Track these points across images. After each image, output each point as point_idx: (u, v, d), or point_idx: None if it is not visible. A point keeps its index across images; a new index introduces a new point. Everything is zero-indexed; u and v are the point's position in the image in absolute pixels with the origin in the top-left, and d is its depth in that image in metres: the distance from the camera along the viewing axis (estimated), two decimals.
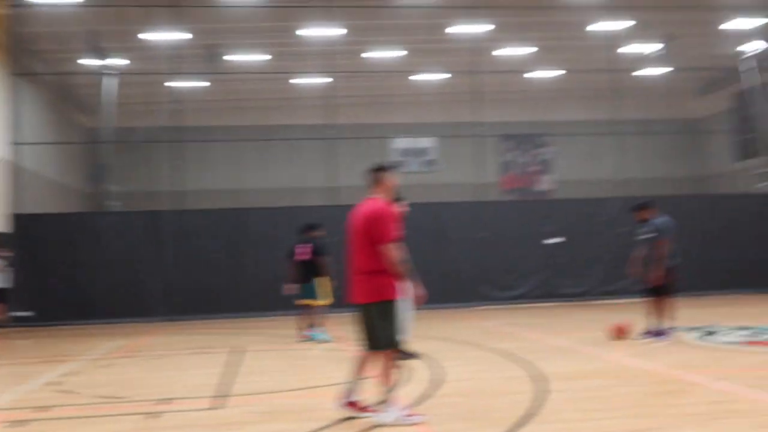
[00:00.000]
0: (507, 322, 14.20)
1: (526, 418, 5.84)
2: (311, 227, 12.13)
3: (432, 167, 29.90)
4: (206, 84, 25.56)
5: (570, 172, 29.89)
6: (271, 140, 26.58)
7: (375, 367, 5.96)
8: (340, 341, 11.54)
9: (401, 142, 29.60)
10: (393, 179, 6.12)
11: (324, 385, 7.76)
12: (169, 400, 7.23)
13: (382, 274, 5.82)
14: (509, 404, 6.42)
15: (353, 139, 23.70)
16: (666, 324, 10.30)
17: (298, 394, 7.48)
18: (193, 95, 25.01)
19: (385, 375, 5.89)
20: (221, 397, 7.34)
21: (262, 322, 16.49)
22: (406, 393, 7.10)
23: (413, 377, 8.00)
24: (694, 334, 10.94)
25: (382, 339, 5.86)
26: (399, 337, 5.95)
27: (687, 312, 14.61)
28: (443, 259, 18.55)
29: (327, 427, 5.80)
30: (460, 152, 26.64)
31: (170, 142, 20.65)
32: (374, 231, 5.80)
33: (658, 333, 10.25)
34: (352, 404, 6.04)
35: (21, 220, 17.87)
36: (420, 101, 28.55)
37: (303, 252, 11.87)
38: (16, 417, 6.69)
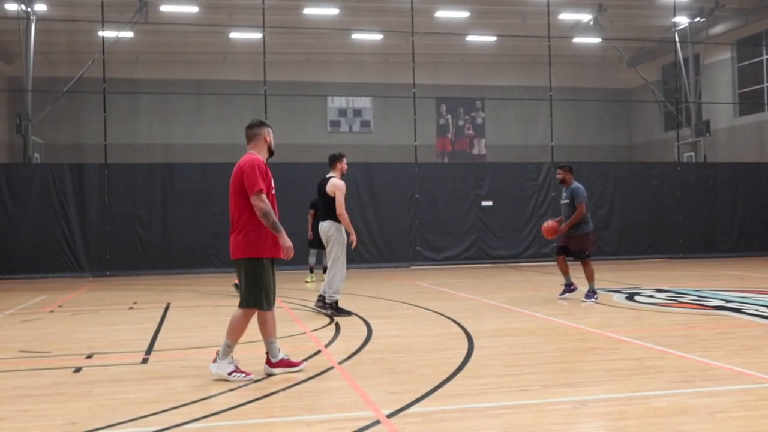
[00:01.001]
0: (439, 282, 14.36)
1: (454, 374, 5.92)
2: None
3: (368, 128, 29.78)
4: (135, 35, 24.71)
5: (503, 137, 30.24)
6: (203, 95, 25.97)
7: (235, 320, 5.93)
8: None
9: (338, 102, 29.34)
10: (269, 136, 6.25)
11: (249, 342, 7.71)
12: (94, 355, 7.07)
13: (253, 229, 5.87)
14: (438, 360, 6.50)
15: (289, 97, 23.35)
16: (592, 285, 10.59)
17: None
18: (122, 46, 24.15)
19: (238, 330, 5.91)
20: (148, 352, 7.21)
21: (189, 279, 16.26)
22: (334, 349, 7.12)
23: (342, 334, 8.02)
24: (618, 296, 11.28)
25: (245, 294, 5.91)
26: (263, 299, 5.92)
27: (612, 274, 15.08)
28: (378, 219, 18.63)
29: (257, 381, 5.76)
30: (397, 114, 26.61)
31: (95, 93, 19.94)
32: (246, 182, 5.83)
33: (591, 293, 10.52)
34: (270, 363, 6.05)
35: None
36: (357, 61, 28.29)
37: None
38: None
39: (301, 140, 27.16)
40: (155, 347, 7.49)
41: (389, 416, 4.68)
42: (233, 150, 25.80)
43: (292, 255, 5.96)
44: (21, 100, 23.69)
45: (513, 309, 9.92)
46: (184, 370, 6.33)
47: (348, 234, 9.49)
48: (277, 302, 10.85)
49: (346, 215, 9.38)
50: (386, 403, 4.99)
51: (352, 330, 8.27)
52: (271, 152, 6.28)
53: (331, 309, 9.49)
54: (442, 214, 19.15)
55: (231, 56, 27.35)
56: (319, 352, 6.99)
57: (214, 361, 5.92)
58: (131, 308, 11.00)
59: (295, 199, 17.36)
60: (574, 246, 10.56)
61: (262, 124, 6.25)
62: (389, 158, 22.94)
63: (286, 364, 6.06)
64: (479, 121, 30.87)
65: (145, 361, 6.80)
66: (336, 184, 9.41)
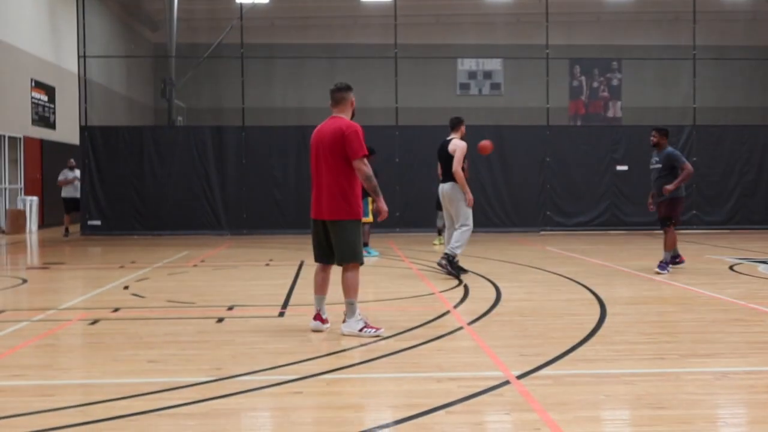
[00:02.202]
0: (570, 247, 14.07)
1: (585, 339, 5.83)
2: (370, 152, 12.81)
3: (498, 90, 29.33)
4: (271, 1, 25.35)
5: (640, 99, 28.93)
6: (334, 58, 26.34)
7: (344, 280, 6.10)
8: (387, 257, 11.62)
9: (467, 64, 29.05)
10: (354, 100, 6.35)
11: (389, 299, 7.89)
12: (235, 307, 7.45)
13: (351, 192, 6.03)
14: (568, 325, 6.41)
15: (418, 60, 23.33)
16: (668, 255, 9.93)
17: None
18: (259, 12, 24.85)
19: (354, 286, 6.09)
20: (284, 306, 7.53)
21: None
22: (463, 310, 7.16)
23: (471, 295, 8.04)
24: (764, 267, 10.66)
25: (347, 254, 6.06)
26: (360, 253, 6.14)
27: (759, 244, 14.22)
28: (508, 183, 18.40)
29: (387, 338, 5.89)
30: (528, 76, 26.00)
31: (234, 57, 20.67)
32: (347, 147, 5.96)
33: (664, 263, 9.85)
34: (319, 318, 6.23)
35: (90, 132, 18.31)
36: (488, 22, 27.78)
37: None
38: (90, 316, 7.01)
39: (431, 103, 27.10)
40: (291, 302, 7.80)
41: (519, 377, 4.68)
42: (364, 113, 26.18)
43: (386, 217, 6.52)
44: (165, 65, 24.94)
45: (648, 277, 9.58)
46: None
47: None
48: (406, 263, 11.02)
49: (461, 174, 9.46)
50: (516, 365, 4.99)
51: (480, 292, 8.28)
52: (353, 116, 6.37)
53: (446, 260, 9.47)
54: (574, 178, 18.64)
55: (362, 19, 27.55)
56: (447, 312, 7.05)
57: (344, 321, 6.11)
58: (267, 265, 11.48)
59: (423, 162, 17.42)
60: (663, 211, 9.87)
61: (349, 88, 6.34)
62: (520, 121, 22.49)
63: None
64: (615, 82, 29.66)
65: (281, 314, 7.10)
66: (458, 144, 9.59)
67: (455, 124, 9.90)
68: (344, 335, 6.02)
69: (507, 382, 4.58)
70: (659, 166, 9.91)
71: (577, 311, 7.15)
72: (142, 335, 6.13)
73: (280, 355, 5.41)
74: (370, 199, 12.37)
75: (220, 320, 6.78)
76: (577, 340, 5.75)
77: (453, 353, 5.41)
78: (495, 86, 29.24)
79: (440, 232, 15.11)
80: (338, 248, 6.07)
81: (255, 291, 8.57)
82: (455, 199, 9.57)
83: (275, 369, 5.02)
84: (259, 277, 9.96)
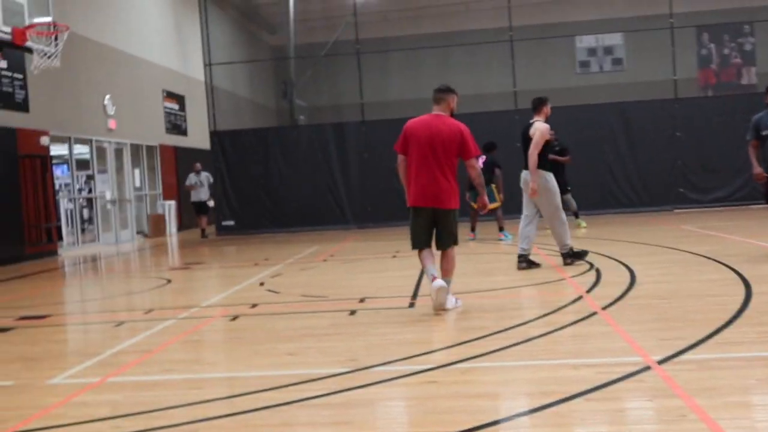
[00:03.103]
0: (707, 225, 13.41)
1: (730, 321, 5.54)
2: (489, 146, 13.42)
3: (620, 66, 28.29)
4: None
5: None
6: (449, 47, 26.22)
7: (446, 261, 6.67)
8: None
9: (586, 41, 28.19)
10: (454, 102, 6.83)
11: (519, 286, 7.83)
12: (366, 299, 7.60)
13: (456, 184, 6.64)
14: (710, 307, 6.13)
15: (535, 41, 22.84)
16: None
17: (485, 295, 7.56)
18: (372, 7, 25.12)
19: (453, 267, 6.70)
20: (414, 297, 7.61)
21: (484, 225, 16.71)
22: (596, 294, 6.98)
23: (603, 279, 7.83)
24: None
25: (454, 238, 6.68)
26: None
27: None
28: (636, 161, 17.74)
29: (519, 325, 5.84)
30: (652, 48, 24.91)
31: (349, 54, 21.00)
32: (465, 147, 6.57)
33: None
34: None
35: (219, 137, 19.14)
36: None
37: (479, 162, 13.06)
38: (230, 312, 7.35)
39: (550, 84, 26.45)
40: (420, 293, 7.86)
41: (660, 362, 4.52)
42: (480, 100, 25.97)
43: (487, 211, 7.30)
44: (285, 67, 25.69)
45: None
46: (450, 313, 6.59)
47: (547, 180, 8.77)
48: (534, 249, 10.89)
49: (535, 159, 8.57)
50: (656, 349, 4.82)
51: (613, 275, 8.04)
52: (451, 116, 6.84)
53: (570, 258, 8.96)
54: (708, 152, 17.72)
55: (475, 5, 27.30)
56: (580, 297, 6.90)
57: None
58: (394, 257, 11.62)
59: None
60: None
61: (450, 90, 6.82)
62: (645, 96, 21.61)
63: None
64: (748, 47, 27.92)
65: (411, 305, 7.17)
66: (538, 126, 8.81)
67: (536, 105, 9.05)
68: (447, 307, 6.50)
69: (647, 368, 4.43)
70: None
71: (719, 292, 6.82)
72: (280, 329, 6.36)
73: (412, 345, 5.47)
74: (494, 186, 12.57)
75: (353, 312, 6.93)
76: (721, 323, 5.48)
77: (588, 339, 5.29)
78: (617, 61, 28.22)
79: (576, 215, 14.74)
80: (446, 233, 6.62)
81: (384, 283, 8.70)
82: (540, 189, 8.68)
83: (408, 359, 5.08)
84: (387, 269, 10.10)
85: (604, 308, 6.30)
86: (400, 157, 6.86)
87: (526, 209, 8.94)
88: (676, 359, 4.59)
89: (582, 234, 13.11)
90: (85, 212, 19.01)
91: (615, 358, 4.73)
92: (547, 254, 10.46)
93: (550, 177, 8.78)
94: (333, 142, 18.69)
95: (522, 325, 5.85)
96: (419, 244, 6.65)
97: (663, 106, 18.10)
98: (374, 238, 15.50)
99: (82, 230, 17.97)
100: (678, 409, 3.71)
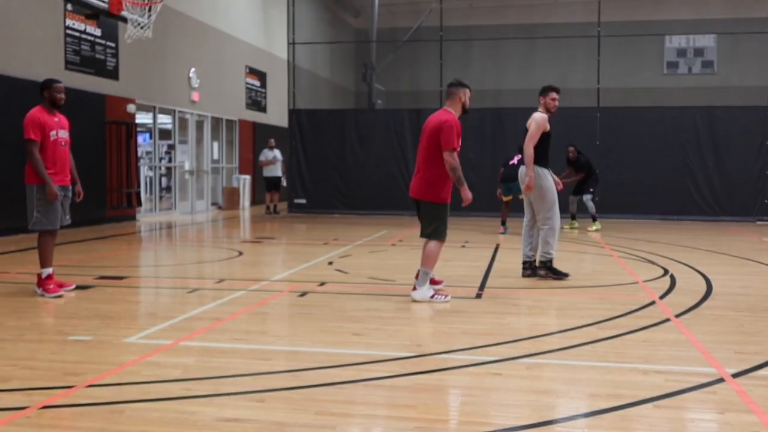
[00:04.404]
0: None
1: None
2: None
3: (710, 69, 27.35)
4: None
5: None
6: (533, 38, 25.84)
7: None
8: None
9: (676, 41, 27.34)
10: (465, 96, 6.91)
11: (589, 286, 7.71)
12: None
13: (438, 177, 6.73)
14: None
15: (623, 38, 22.30)
16: None
17: (555, 291, 7.47)
18: None
19: (432, 258, 6.82)
20: (481, 288, 7.57)
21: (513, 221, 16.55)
22: (670, 301, 6.81)
23: (678, 286, 7.63)
24: None
25: (429, 230, 6.86)
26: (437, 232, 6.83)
27: None
28: (720, 168, 17.14)
29: (588, 325, 5.76)
30: (746, 52, 24.07)
31: (432, 41, 20.92)
32: (443, 138, 6.62)
33: None
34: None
35: (296, 115, 19.36)
36: None
37: (514, 159, 13.12)
38: (298, 288, 7.47)
39: (636, 83, 25.88)
40: (487, 284, 7.83)
41: (735, 376, 4.39)
42: (563, 95, 25.53)
43: (469, 203, 6.78)
44: (366, 50, 25.77)
45: None
46: (516, 308, 6.55)
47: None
48: (606, 250, 10.69)
49: (530, 153, 7.80)
50: (730, 362, 4.69)
51: (688, 283, 7.83)
52: (465, 111, 6.95)
53: (546, 270, 7.98)
54: None
55: None
56: (653, 303, 6.74)
57: (414, 289, 6.79)
58: (463, 246, 11.57)
59: (626, 145, 16.74)
60: None
61: (461, 84, 6.93)
62: (735, 101, 20.85)
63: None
64: None
65: (478, 296, 7.15)
66: (535, 117, 7.94)
67: (541, 93, 8.16)
68: (416, 300, 6.72)
69: (721, 380, 4.31)
70: None
71: None
72: (347, 309, 6.43)
73: (477, 336, 5.46)
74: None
75: None
76: None
77: (659, 345, 5.18)
78: (707, 64, 27.32)
79: (573, 217, 14.51)
80: (424, 223, 6.97)
81: (452, 271, 8.67)
82: (534, 185, 7.84)
83: (474, 349, 5.07)
84: (456, 258, 10.07)
85: (678, 316, 6.15)
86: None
87: (527, 212, 8.20)
88: (751, 374, 4.45)
89: (647, 238, 12.79)
90: (164, 180, 19.58)
91: (687, 367, 4.62)
92: (620, 256, 10.25)
93: (546, 174, 7.92)
94: (409, 128, 18.67)
95: (591, 325, 5.77)
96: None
97: (753, 113, 17.43)
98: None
99: (160, 198, 18.51)
100: (751, 425, 3.60)
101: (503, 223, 13.77)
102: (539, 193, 7.88)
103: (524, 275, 8.18)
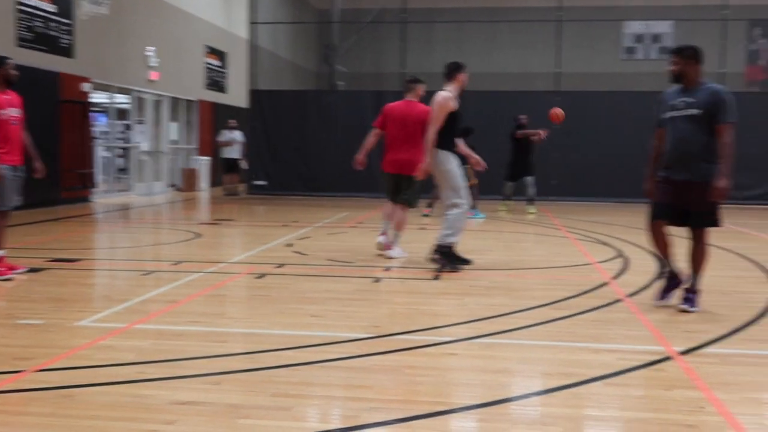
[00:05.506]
0: (740, 222, 13.22)
1: (757, 318, 5.49)
2: (466, 131, 13.29)
3: (667, 55, 27.75)
4: None
5: None
6: (495, 22, 25.92)
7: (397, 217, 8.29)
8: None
9: (634, 27, 27.69)
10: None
11: (544, 267, 7.81)
12: (392, 269, 7.64)
13: (420, 152, 7.72)
14: (737, 302, 6.07)
15: (582, 24, 22.49)
16: None
17: (510, 273, 7.55)
18: None
19: (403, 223, 8.37)
20: (439, 270, 7.62)
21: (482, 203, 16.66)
22: (623, 281, 6.94)
23: (631, 267, 7.77)
24: None
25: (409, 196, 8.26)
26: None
27: None
28: None
29: (542, 305, 5.84)
30: (701, 39, 24.31)
31: (395, 23, 20.85)
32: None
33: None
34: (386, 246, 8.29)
35: (257, 95, 19.18)
36: None
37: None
38: (256, 270, 7.44)
39: (594, 68, 26.14)
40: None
41: (682, 354, 4.50)
42: (524, 78, 25.72)
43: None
44: (328, 31, 25.60)
45: None
46: (474, 289, 6.61)
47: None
48: (563, 232, 10.83)
49: (430, 137, 7.34)
50: (679, 341, 4.80)
51: (641, 264, 7.98)
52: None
53: (443, 256, 7.45)
54: (747, 149, 17.25)
55: None
56: (606, 283, 6.87)
57: (388, 248, 8.26)
58: (423, 228, 11.62)
59: (586, 129, 16.91)
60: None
61: (417, 80, 8.39)
62: None
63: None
64: None
65: (436, 278, 7.20)
66: (437, 99, 7.41)
67: (449, 72, 7.58)
68: (393, 256, 8.19)
69: (669, 358, 4.42)
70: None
71: (746, 288, 6.76)
72: (305, 291, 6.43)
73: (434, 316, 5.51)
74: (468, 167, 12.56)
75: (377, 280, 6.98)
76: (746, 319, 5.44)
77: (611, 325, 5.28)
78: (664, 50, 27.68)
79: (508, 198, 14.62)
80: (407, 193, 8.31)
81: (411, 253, 8.71)
82: (440, 168, 7.45)
83: (431, 330, 5.12)
84: (415, 240, 10.09)
85: (630, 296, 6.27)
86: (375, 131, 8.50)
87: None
88: (698, 351, 4.57)
89: (603, 220, 12.99)
90: (121, 161, 19.25)
91: (636, 346, 4.73)
92: (576, 238, 10.40)
93: (450, 157, 7.44)
94: (371, 110, 18.58)
95: (546, 305, 5.85)
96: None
97: None
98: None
99: (117, 179, 18.21)
100: (697, 400, 3.70)
101: (473, 207, 13.77)
102: (443, 177, 7.47)
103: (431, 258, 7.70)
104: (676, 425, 3.39)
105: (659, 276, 6.29)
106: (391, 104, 8.41)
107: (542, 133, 14.25)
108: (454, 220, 7.43)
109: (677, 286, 5.88)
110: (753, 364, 4.37)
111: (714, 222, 5.68)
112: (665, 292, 5.92)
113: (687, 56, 5.77)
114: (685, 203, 5.63)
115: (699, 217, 5.67)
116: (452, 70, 7.55)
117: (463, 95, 7.73)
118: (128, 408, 3.53)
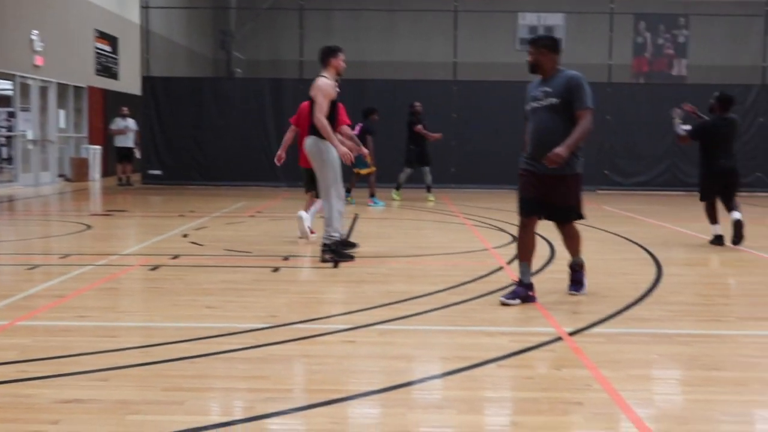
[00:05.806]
0: (627, 207, 13.84)
1: (641, 299, 5.77)
2: (368, 111, 14.01)
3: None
4: None
5: (707, 57, 27.95)
6: (393, 11, 26.05)
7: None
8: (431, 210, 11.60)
9: (528, 18, 28.43)
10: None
11: (442, 253, 7.94)
12: (290, 258, 7.58)
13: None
14: (623, 284, 6.36)
15: (478, 15, 22.90)
16: None
17: (408, 260, 7.64)
18: None
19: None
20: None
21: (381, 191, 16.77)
22: (516, 266, 7.12)
23: None
24: None
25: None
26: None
27: None
28: None
29: (439, 291, 5.93)
30: (591, 31, 25.35)
31: (292, 9, 20.63)
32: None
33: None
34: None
35: (151, 82, 18.59)
36: None
37: (355, 130, 12.40)
38: (150, 262, 7.22)
39: (489, 58, 26.71)
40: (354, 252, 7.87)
41: (571, 334, 4.68)
42: (422, 67, 25.96)
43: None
44: (225, 17, 25.06)
45: (706, 239, 9.36)
46: (372, 276, 6.65)
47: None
48: (460, 218, 11.03)
49: (325, 123, 7.06)
50: (568, 322, 4.98)
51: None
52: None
53: (331, 253, 7.26)
54: (635, 137, 18.21)
55: None
56: (501, 268, 7.04)
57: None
58: (321, 217, 11.57)
59: (482, 117, 17.26)
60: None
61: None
62: None
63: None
64: (681, 39, 28.64)
65: (336, 266, 7.19)
66: (319, 85, 7.17)
67: (323, 57, 7.40)
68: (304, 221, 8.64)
69: (559, 339, 4.58)
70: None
71: (632, 271, 7.08)
72: (201, 282, 6.29)
73: (332, 304, 5.51)
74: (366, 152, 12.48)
75: (276, 270, 6.91)
76: (631, 300, 5.70)
77: (505, 309, 5.41)
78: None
79: (429, 189, 14.83)
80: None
81: (311, 242, 8.67)
82: (315, 159, 7.30)
83: (328, 318, 5.11)
84: (314, 229, 10.06)
85: None
86: (291, 127, 9.54)
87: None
88: (586, 332, 4.76)
89: (499, 207, 13.33)
90: (4, 151, 18.27)
91: (529, 328, 4.87)
92: (473, 224, 10.62)
93: (330, 147, 7.19)
94: (269, 98, 18.39)
95: (442, 291, 5.95)
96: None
97: (596, 90, 18.37)
98: (303, 197, 15.37)
99: (0, 169, 17.27)
100: (585, 378, 3.85)
101: (349, 191, 13.61)
102: (320, 167, 7.28)
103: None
104: (565, 403, 3.52)
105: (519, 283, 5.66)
106: (306, 102, 7.77)
107: (438, 136, 14.42)
108: (328, 216, 7.30)
109: (532, 291, 5.58)
110: (637, 342, 4.58)
111: (579, 215, 5.82)
112: (525, 300, 5.54)
113: (541, 46, 5.70)
114: (549, 198, 5.63)
115: (564, 212, 5.78)
116: (326, 55, 7.34)
117: (338, 81, 7.34)
118: (9, 409, 3.36)
